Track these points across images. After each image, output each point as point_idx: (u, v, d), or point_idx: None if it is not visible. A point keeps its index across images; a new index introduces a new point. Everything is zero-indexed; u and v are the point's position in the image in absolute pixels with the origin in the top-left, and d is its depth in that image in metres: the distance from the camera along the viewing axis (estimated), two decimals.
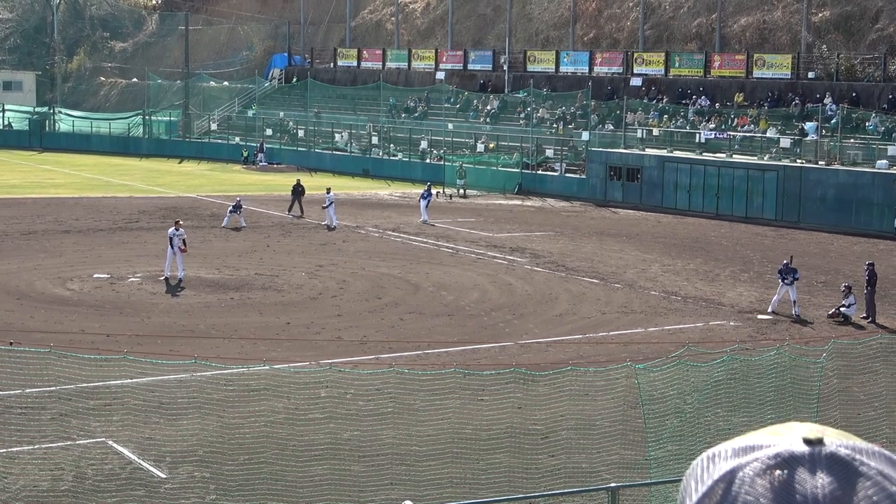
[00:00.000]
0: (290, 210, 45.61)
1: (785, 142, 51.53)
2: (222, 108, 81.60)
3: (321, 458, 16.67)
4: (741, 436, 1.54)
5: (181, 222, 33.14)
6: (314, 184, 53.77)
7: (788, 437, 1.50)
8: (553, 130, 62.22)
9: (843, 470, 1.46)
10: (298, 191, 45.65)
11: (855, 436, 1.52)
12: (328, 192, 43.09)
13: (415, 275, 32.79)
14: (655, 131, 57.33)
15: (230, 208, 42.08)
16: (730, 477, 1.48)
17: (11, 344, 19.41)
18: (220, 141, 76.23)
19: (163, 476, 16.25)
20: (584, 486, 16.04)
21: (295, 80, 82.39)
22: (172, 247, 30.89)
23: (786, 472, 1.46)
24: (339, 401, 19.46)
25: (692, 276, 33.92)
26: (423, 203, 44.92)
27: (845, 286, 28.37)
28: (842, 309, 27.89)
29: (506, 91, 68.86)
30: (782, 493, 1.45)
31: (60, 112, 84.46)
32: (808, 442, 1.48)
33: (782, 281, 28.33)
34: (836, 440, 1.49)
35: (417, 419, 18.46)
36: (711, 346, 22.96)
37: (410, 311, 27.98)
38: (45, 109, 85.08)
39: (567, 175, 57.33)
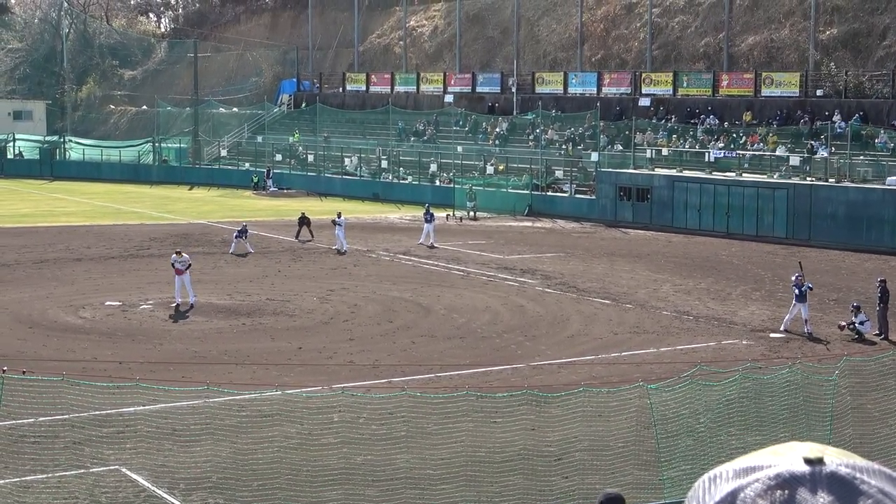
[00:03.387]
0: (297, 236, 45.68)
1: (794, 160, 51.48)
2: (232, 134, 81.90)
3: (335, 483, 16.58)
4: (742, 456, 1.53)
5: (182, 252, 32.75)
6: (325, 208, 53.82)
7: (789, 456, 1.49)
8: (562, 151, 62.26)
9: (844, 489, 1.45)
10: (305, 221, 45.75)
11: (856, 454, 1.52)
12: (339, 217, 43.01)
13: (426, 298, 32.72)
14: (665, 151, 57.33)
15: (236, 234, 42.10)
16: (731, 498, 1.48)
17: (24, 373, 19.24)
18: (230, 167, 76.49)
19: (177, 503, 16.16)
20: None
21: (304, 105, 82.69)
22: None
23: (787, 492, 1.45)
24: (352, 425, 19.38)
25: (703, 295, 33.83)
26: (428, 226, 44.51)
27: (854, 306, 28.27)
28: (857, 325, 27.77)
29: (514, 113, 69.01)
30: None
31: (71, 140, 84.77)
32: (808, 461, 1.48)
33: (796, 297, 28.21)
34: (837, 459, 1.49)
35: (430, 442, 18.36)
36: (724, 366, 22.89)
37: (422, 335, 27.90)
38: (55, 138, 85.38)
39: (577, 196, 57.32)
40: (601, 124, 61.46)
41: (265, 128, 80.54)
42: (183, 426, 19.21)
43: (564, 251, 43.46)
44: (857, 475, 1.47)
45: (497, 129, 68.03)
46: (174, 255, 31.65)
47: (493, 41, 78.71)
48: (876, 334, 28.03)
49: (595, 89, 66.10)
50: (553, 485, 17.01)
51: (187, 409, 19.91)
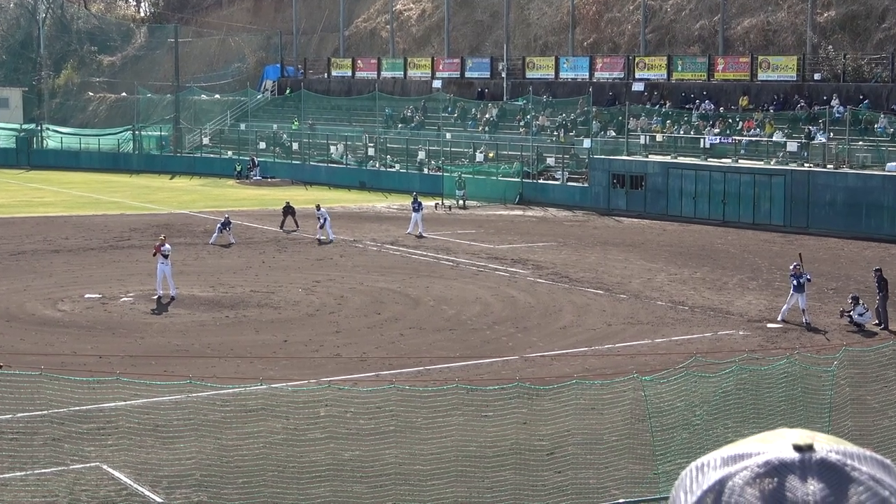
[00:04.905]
0: (282, 226, 45.24)
1: (792, 145, 51.27)
2: (214, 122, 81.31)
3: (322, 479, 16.47)
4: (730, 444, 1.52)
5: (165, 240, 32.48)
6: (309, 198, 53.53)
7: (778, 444, 1.49)
8: (554, 138, 61.95)
9: (835, 476, 1.45)
10: (289, 211, 45.31)
11: (846, 440, 1.51)
12: (318, 209, 42.52)
13: (414, 289, 32.57)
14: (659, 137, 57.09)
15: (218, 226, 41.72)
16: (719, 487, 1.47)
17: (1, 367, 19.23)
18: (212, 155, 75.98)
19: (159, 500, 16.12)
20: (593, 503, 15.96)
21: (288, 91, 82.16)
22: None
23: (776, 479, 1.45)
24: (339, 420, 19.24)
25: (699, 284, 33.71)
26: (416, 215, 44.17)
27: (852, 297, 28.00)
28: (855, 318, 27.46)
29: (504, 99, 68.62)
30: (773, 502, 1.43)
31: (48, 129, 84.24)
32: (798, 448, 1.48)
33: (794, 287, 27.96)
34: (827, 445, 1.48)
35: (420, 437, 18.27)
36: (720, 357, 22.91)
37: (411, 326, 27.77)
38: (32, 126, 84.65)
39: (569, 184, 57.04)
40: (594, 110, 61.18)
41: (248, 115, 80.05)
42: (165, 422, 19.10)
43: (556, 240, 43.31)
44: (848, 462, 1.46)
45: (487, 116, 67.70)
46: (160, 241, 31.46)
47: (483, 25, 78.35)
48: (876, 324, 27.80)
49: (587, 74, 65.70)
50: (545, 480, 16.95)
51: (170, 405, 19.79)
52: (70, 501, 15.91)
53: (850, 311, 27.69)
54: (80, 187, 64.13)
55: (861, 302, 27.74)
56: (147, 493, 16.26)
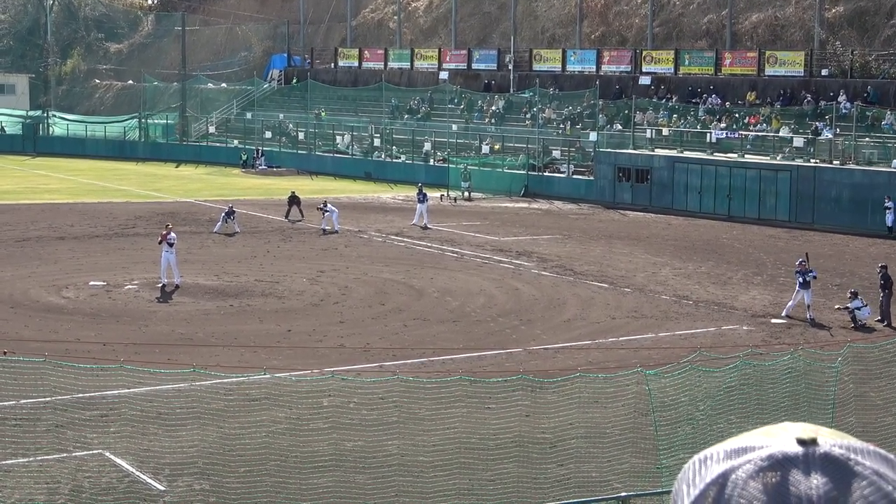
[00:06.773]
0: (287, 216, 45.16)
1: (798, 141, 51.07)
2: (220, 111, 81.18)
3: (324, 469, 16.46)
4: (734, 437, 1.52)
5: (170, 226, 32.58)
6: (315, 188, 53.48)
7: (782, 437, 1.49)
8: (560, 131, 61.83)
9: (838, 470, 1.45)
10: (295, 200, 45.20)
11: (850, 435, 1.50)
12: (325, 206, 42.36)
13: (419, 280, 32.49)
14: (665, 131, 56.93)
15: (223, 215, 41.61)
16: (722, 480, 1.47)
17: (5, 353, 19.25)
18: (218, 144, 75.83)
19: (161, 488, 16.11)
20: (594, 496, 15.96)
21: (295, 81, 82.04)
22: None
23: (779, 473, 1.45)
24: (342, 410, 19.20)
25: (704, 279, 33.60)
26: (421, 206, 44.07)
27: (851, 292, 27.91)
28: (855, 312, 27.35)
29: (511, 91, 68.46)
30: (776, 495, 1.43)
31: (55, 115, 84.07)
32: (801, 442, 1.47)
33: (799, 284, 27.88)
34: (831, 440, 1.48)
35: (423, 428, 18.25)
36: (724, 352, 22.94)
37: (414, 318, 27.70)
38: (38, 113, 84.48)
39: (574, 177, 56.92)
40: (600, 103, 60.97)
41: (255, 104, 79.90)
42: (168, 410, 19.08)
43: (561, 233, 43.22)
44: (852, 456, 1.46)
45: (493, 108, 67.55)
46: (167, 229, 31.34)
47: (490, 17, 78.10)
48: (878, 321, 27.67)
49: (594, 67, 65.51)
50: (548, 472, 16.93)
51: (173, 393, 19.78)
52: (72, 488, 15.89)
53: (848, 307, 27.52)
54: (85, 174, 64.01)
55: (860, 296, 27.62)
56: (149, 480, 16.25)
